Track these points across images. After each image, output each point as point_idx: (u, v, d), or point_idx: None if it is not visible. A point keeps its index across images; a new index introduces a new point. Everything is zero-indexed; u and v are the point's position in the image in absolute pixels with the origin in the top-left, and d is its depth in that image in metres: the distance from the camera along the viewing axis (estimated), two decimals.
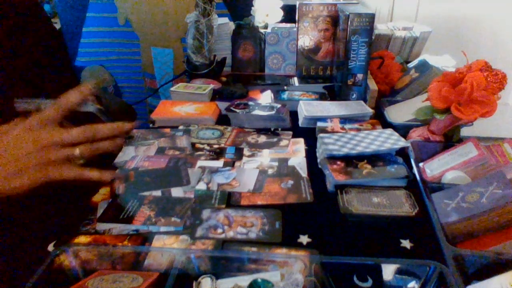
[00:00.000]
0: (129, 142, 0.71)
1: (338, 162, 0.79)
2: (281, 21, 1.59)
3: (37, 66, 0.71)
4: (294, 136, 0.97)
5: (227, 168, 0.83)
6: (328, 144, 0.82)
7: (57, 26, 1.91)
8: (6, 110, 0.62)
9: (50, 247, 0.61)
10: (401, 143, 0.82)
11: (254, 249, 0.60)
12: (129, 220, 0.67)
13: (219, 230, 0.64)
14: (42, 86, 0.69)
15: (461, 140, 0.87)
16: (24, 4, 0.70)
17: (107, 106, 0.60)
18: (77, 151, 0.52)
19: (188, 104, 1.13)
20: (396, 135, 0.86)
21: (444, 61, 1.20)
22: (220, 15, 1.39)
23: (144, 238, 0.63)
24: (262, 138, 0.96)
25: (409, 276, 0.54)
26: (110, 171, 0.58)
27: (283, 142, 0.94)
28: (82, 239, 0.63)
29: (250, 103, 1.09)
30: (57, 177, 0.52)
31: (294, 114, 1.09)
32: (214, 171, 0.82)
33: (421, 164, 0.81)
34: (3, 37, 0.64)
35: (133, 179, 0.80)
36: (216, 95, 1.20)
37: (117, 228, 0.65)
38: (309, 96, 1.19)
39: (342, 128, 0.97)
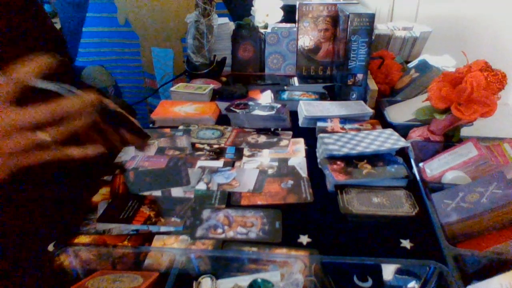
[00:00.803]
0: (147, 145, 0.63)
1: (338, 162, 0.79)
2: (281, 21, 1.59)
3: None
4: (294, 136, 0.97)
5: (227, 168, 0.83)
6: (328, 144, 0.82)
7: (57, 26, 1.91)
8: None
9: (50, 247, 0.61)
10: (401, 143, 0.82)
11: (254, 249, 0.60)
12: (129, 220, 0.67)
13: (219, 230, 0.64)
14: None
15: (461, 140, 0.87)
16: (24, 3, 0.70)
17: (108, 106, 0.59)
18: (46, 135, 0.43)
19: (188, 104, 1.13)
20: (396, 135, 0.86)
21: (444, 61, 1.20)
22: (220, 15, 1.39)
23: (144, 238, 0.63)
24: (262, 138, 0.96)
25: (409, 276, 0.54)
26: (95, 145, 0.49)
27: (283, 142, 0.94)
28: (82, 239, 0.63)
29: (250, 103, 1.09)
30: (33, 163, 0.44)
31: (294, 114, 1.09)
32: (214, 171, 0.82)
33: (421, 164, 0.81)
34: (2, 37, 0.64)
35: (133, 179, 0.80)
36: (216, 95, 1.20)
37: (117, 228, 0.65)
38: (309, 96, 1.19)
39: (342, 128, 0.97)
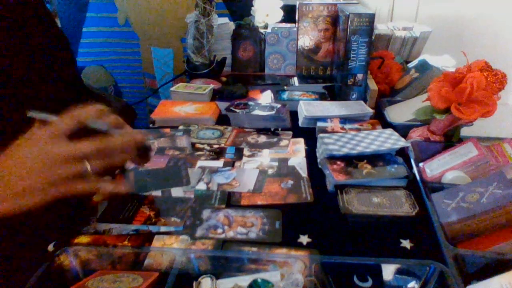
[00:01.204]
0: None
1: (338, 162, 0.79)
2: (281, 21, 1.59)
3: (40, 66, 0.70)
4: (294, 136, 0.97)
5: (227, 168, 0.83)
6: (328, 144, 0.82)
7: None
8: (8, 115, 0.62)
9: (50, 247, 0.61)
10: (401, 143, 0.82)
11: (254, 249, 0.60)
12: (129, 220, 0.67)
13: (219, 230, 0.64)
14: (45, 86, 0.69)
15: (461, 140, 0.87)
16: (27, 3, 0.70)
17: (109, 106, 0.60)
18: (88, 166, 0.49)
19: (188, 104, 1.13)
20: (396, 135, 0.86)
21: (444, 61, 1.20)
22: (220, 15, 1.39)
23: (144, 238, 0.63)
24: (262, 138, 0.96)
25: (409, 276, 0.54)
26: (125, 184, 0.56)
27: (283, 142, 0.94)
28: (82, 239, 0.63)
29: (250, 103, 1.09)
30: (70, 193, 0.49)
31: (294, 114, 1.09)
32: (214, 171, 0.82)
33: (421, 164, 0.81)
34: (5, 37, 0.64)
35: (133, 179, 0.80)
36: (216, 95, 1.20)
37: (117, 228, 0.65)
38: (309, 96, 1.19)
39: (342, 128, 0.97)
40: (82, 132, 0.50)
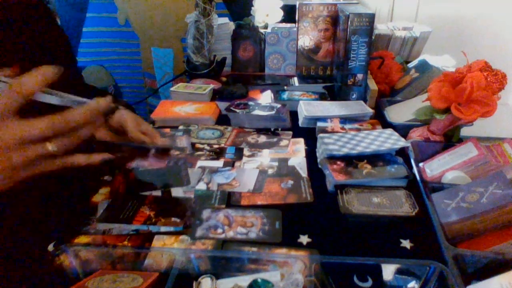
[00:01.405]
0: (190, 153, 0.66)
1: (338, 162, 0.79)
2: (281, 21, 1.59)
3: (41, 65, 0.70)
4: (294, 136, 0.97)
5: (227, 168, 0.83)
6: (328, 144, 0.82)
7: None
8: None
9: (50, 247, 0.61)
10: (401, 143, 0.82)
11: (254, 249, 0.60)
12: (129, 220, 0.67)
13: (219, 230, 0.64)
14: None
15: (461, 140, 0.87)
16: (32, 5, 0.70)
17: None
18: (49, 146, 0.43)
19: (188, 104, 1.13)
20: (396, 135, 0.85)
21: (444, 61, 1.20)
22: (220, 15, 1.39)
23: (144, 238, 0.63)
24: (262, 138, 0.96)
25: (409, 276, 0.54)
26: (100, 153, 0.49)
27: (283, 142, 0.94)
28: (82, 239, 0.63)
29: (250, 103, 1.09)
30: (39, 173, 0.44)
31: (294, 114, 1.09)
32: (214, 171, 0.82)
33: (421, 164, 0.81)
34: (7, 37, 0.64)
35: (133, 179, 0.80)
36: (216, 95, 1.20)
37: (117, 228, 0.65)
38: (309, 96, 1.19)
39: (342, 128, 0.97)
40: (35, 108, 0.43)
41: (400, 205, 0.69)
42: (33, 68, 0.42)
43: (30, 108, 0.43)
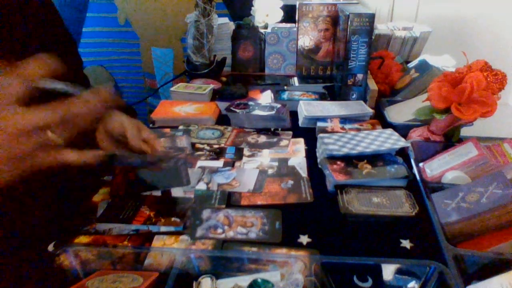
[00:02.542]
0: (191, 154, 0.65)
1: (338, 162, 0.79)
2: (281, 21, 1.59)
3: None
4: (294, 136, 0.97)
5: (227, 168, 0.83)
6: (328, 144, 0.82)
7: None
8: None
9: (50, 247, 0.61)
10: (401, 143, 0.82)
11: (254, 249, 0.60)
12: (129, 220, 0.67)
13: (219, 230, 0.64)
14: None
15: (461, 140, 0.87)
16: (39, 4, 0.69)
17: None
18: (49, 134, 0.42)
19: (188, 104, 1.13)
20: (396, 135, 0.85)
21: (444, 61, 1.20)
22: (220, 15, 1.39)
23: (144, 238, 0.63)
24: (262, 138, 0.96)
25: (409, 276, 0.54)
26: (94, 151, 0.47)
27: (283, 142, 0.94)
28: (82, 239, 0.63)
29: (250, 103, 1.09)
30: (36, 168, 0.43)
31: (294, 114, 1.09)
32: (214, 171, 0.82)
33: (421, 164, 0.81)
34: (11, 39, 0.64)
35: (133, 179, 0.80)
36: (216, 95, 1.20)
37: (117, 228, 0.65)
38: (309, 96, 1.19)
39: (342, 128, 0.97)
40: (38, 96, 0.42)
41: (400, 205, 0.69)
42: (33, 56, 0.41)
43: (32, 96, 0.42)
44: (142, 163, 0.69)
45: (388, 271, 0.54)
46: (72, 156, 0.45)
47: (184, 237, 0.63)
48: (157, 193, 0.75)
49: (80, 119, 0.44)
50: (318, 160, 0.84)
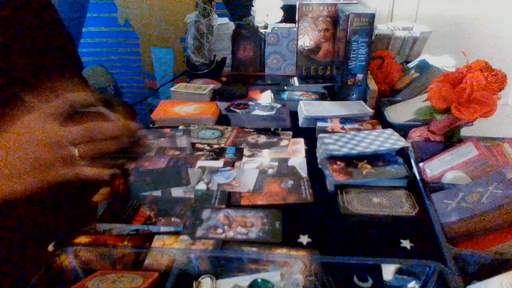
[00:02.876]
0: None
1: (338, 162, 0.79)
2: (281, 21, 1.59)
3: (47, 69, 0.70)
4: (294, 136, 0.97)
5: (227, 168, 0.83)
6: (328, 144, 0.82)
7: None
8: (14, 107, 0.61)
9: (50, 247, 0.61)
10: (401, 143, 0.82)
11: (254, 249, 0.60)
12: (129, 220, 0.67)
13: (219, 230, 0.64)
14: (51, 86, 0.68)
15: (461, 140, 0.87)
16: (40, 6, 0.70)
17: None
18: (75, 150, 0.46)
19: (188, 104, 1.13)
20: (396, 135, 0.85)
21: (444, 61, 1.20)
22: (220, 15, 1.39)
23: (144, 238, 0.63)
24: (262, 138, 0.96)
25: (409, 276, 0.54)
26: (109, 168, 0.52)
27: (283, 142, 0.94)
28: (82, 239, 0.63)
29: (250, 103, 1.09)
30: (54, 180, 0.47)
31: (294, 114, 1.09)
32: (214, 171, 0.82)
33: (421, 164, 0.81)
34: (12, 41, 0.64)
35: (133, 179, 0.80)
36: (216, 95, 1.20)
37: (117, 228, 0.65)
38: (309, 96, 1.19)
39: (342, 128, 0.97)
40: (73, 116, 0.48)
41: (400, 205, 0.69)
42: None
43: (67, 116, 0.48)
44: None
45: (388, 271, 0.54)
46: (89, 171, 0.48)
47: (184, 237, 0.63)
48: (157, 193, 0.75)
49: (105, 143, 0.49)
50: (318, 160, 0.84)
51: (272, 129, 1.01)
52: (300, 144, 0.93)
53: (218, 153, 0.89)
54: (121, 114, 0.55)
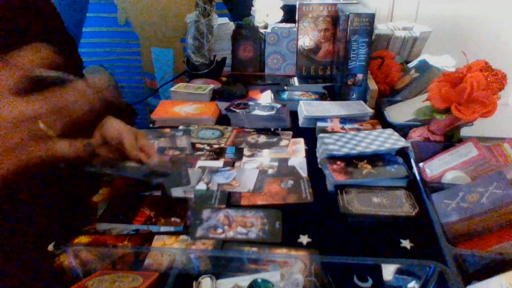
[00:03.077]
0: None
1: (338, 162, 0.79)
2: (281, 21, 1.59)
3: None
4: (294, 136, 0.97)
5: (227, 168, 0.83)
6: (328, 144, 0.82)
7: None
8: None
9: (50, 247, 0.61)
10: (401, 143, 0.82)
11: (254, 249, 0.60)
12: (129, 220, 0.67)
13: (219, 230, 0.64)
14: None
15: (461, 140, 0.87)
16: (38, 5, 0.69)
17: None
18: (41, 124, 0.41)
19: (188, 104, 1.13)
20: (396, 135, 0.86)
21: (444, 61, 1.20)
22: (220, 15, 1.39)
23: (144, 238, 0.63)
24: (262, 138, 0.96)
25: (409, 276, 0.54)
26: (82, 139, 0.46)
27: (283, 142, 0.94)
28: (82, 239, 0.63)
29: (250, 103, 1.09)
30: (29, 161, 0.42)
31: (294, 114, 1.09)
32: (214, 171, 0.82)
33: (421, 164, 0.81)
34: (11, 40, 0.64)
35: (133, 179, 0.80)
36: (216, 95, 1.20)
37: (117, 228, 0.65)
38: (309, 96, 1.19)
39: (342, 128, 0.97)
40: (32, 85, 0.41)
41: (400, 205, 0.69)
42: (27, 45, 0.41)
43: (26, 86, 0.41)
44: (137, 174, 0.69)
45: (388, 271, 0.54)
46: (63, 147, 0.43)
47: (184, 237, 0.63)
48: (157, 193, 0.75)
49: (72, 108, 0.42)
50: (318, 160, 0.84)
51: (272, 129, 1.01)
52: (300, 144, 0.93)
53: (218, 153, 0.89)
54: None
